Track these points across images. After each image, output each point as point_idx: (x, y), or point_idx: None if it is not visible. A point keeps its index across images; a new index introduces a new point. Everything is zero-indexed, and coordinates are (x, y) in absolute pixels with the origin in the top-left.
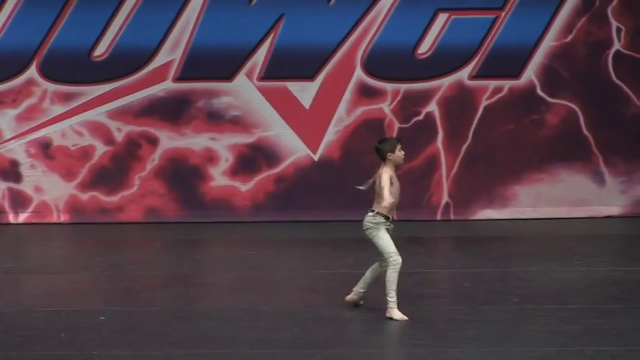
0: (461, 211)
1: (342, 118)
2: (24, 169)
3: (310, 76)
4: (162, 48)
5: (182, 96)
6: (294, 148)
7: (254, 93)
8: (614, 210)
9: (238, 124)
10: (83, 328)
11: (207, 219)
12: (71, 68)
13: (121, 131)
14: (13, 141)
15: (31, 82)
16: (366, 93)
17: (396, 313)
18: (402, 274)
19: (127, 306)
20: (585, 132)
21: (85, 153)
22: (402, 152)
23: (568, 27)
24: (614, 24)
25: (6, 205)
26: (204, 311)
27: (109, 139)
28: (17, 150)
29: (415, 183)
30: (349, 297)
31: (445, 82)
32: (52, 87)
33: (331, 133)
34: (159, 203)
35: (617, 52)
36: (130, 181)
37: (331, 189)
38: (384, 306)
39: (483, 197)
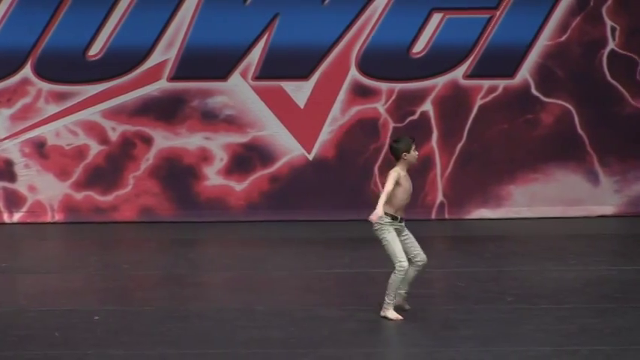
0: (455, 210)
1: (337, 117)
2: (18, 169)
3: (305, 76)
4: (157, 47)
5: (177, 95)
6: (288, 148)
7: (249, 92)
8: (608, 209)
9: (233, 123)
10: (77, 327)
11: (201, 218)
12: (66, 68)
13: (115, 131)
14: (7, 140)
15: (25, 82)
16: (360, 92)
17: (391, 313)
18: None
19: (122, 305)
20: (580, 131)
21: (80, 152)
22: (417, 152)
23: (563, 26)
24: (609, 23)
25: (0, 204)
26: (198, 311)
27: (103, 139)
28: (12, 149)
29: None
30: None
31: (440, 82)
32: (46, 86)
33: (326, 133)
34: (153, 203)
35: (612, 51)
36: (124, 180)
37: (326, 188)
38: (378, 306)
39: (478, 197)
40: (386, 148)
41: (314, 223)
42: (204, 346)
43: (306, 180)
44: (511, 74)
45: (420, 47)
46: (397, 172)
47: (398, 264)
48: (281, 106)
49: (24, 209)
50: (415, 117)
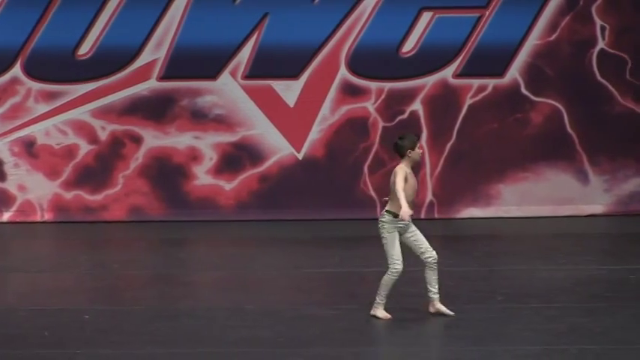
0: (445, 209)
1: (327, 116)
2: (8, 168)
3: (294, 75)
4: (147, 47)
5: (166, 95)
6: (278, 147)
7: (238, 92)
8: (598, 208)
9: (222, 122)
10: (67, 326)
11: (191, 218)
12: (55, 67)
13: (104, 130)
14: None
15: (15, 81)
16: (350, 92)
17: (381, 312)
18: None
19: (111, 305)
20: (569, 130)
21: (69, 152)
22: (421, 150)
23: (552, 26)
24: (599, 23)
25: None
26: (188, 310)
27: (93, 138)
28: (1, 149)
29: None
30: (432, 309)
31: (429, 81)
32: (36, 86)
33: (315, 132)
34: (143, 202)
35: (602, 50)
36: (114, 179)
37: (315, 187)
38: (368, 305)
39: (468, 196)
40: (375, 147)
41: (304, 223)
42: (194, 346)
43: (295, 179)
44: (501, 73)
45: (409, 46)
46: (404, 169)
47: (392, 266)
48: (270, 106)
49: (13, 208)
50: (405, 116)
